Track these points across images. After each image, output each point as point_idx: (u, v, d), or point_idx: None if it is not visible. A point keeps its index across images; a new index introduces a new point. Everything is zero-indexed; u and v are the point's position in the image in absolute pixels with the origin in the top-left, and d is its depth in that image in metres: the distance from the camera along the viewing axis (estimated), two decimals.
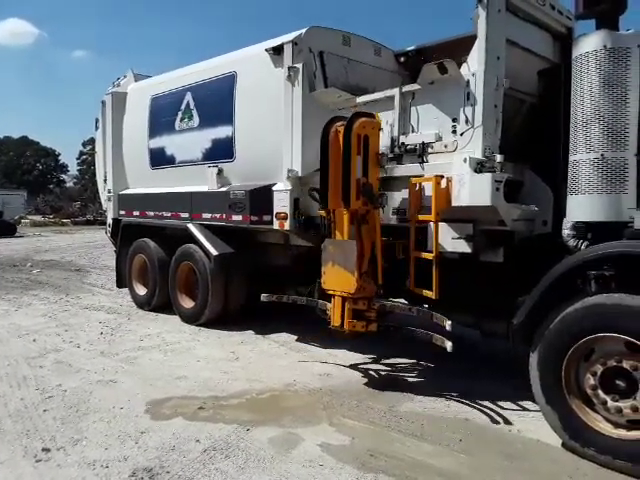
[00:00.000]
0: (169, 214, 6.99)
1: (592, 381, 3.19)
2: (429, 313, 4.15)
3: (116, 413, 3.85)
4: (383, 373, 4.92)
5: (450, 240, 4.12)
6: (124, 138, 7.88)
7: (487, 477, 3.03)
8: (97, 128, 8.60)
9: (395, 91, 4.55)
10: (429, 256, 4.07)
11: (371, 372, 4.92)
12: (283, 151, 5.39)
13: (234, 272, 6.33)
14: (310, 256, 5.76)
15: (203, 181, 6.33)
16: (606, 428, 3.15)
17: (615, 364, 3.11)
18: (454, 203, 3.97)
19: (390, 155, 4.51)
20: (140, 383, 4.50)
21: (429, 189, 4.07)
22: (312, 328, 6.22)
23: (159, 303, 7.26)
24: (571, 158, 3.69)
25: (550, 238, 3.94)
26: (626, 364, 3.06)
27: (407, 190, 4.34)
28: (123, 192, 7.96)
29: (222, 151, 6.17)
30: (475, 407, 4.06)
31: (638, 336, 2.96)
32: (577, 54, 3.65)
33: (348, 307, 4.35)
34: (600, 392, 3.16)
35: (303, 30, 5.34)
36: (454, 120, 4.09)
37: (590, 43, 3.56)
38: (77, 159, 64.84)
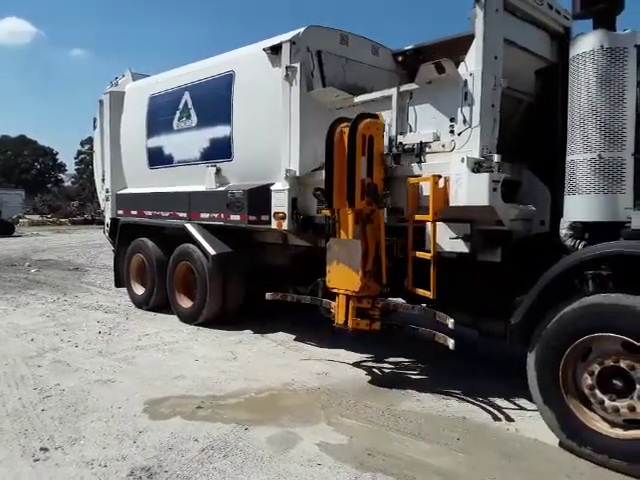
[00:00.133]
0: (167, 214, 6.99)
1: (589, 381, 3.20)
2: (432, 312, 4.17)
3: (114, 412, 3.85)
4: (381, 372, 4.93)
5: (448, 240, 4.12)
6: (122, 137, 7.87)
7: (485, 476, 3.04)
8: (95, 127, 8.59)
9: (393, 91, 4.56)
10: (427, 256, 4.07)
11: (369, 371, 4.92)
12: (281, 151, 5.39)
13: (232, 272, 6.33)
14: (308, 256, 5.78)
15: (201, 181, 6.32)
16: (603, 427, 3.16)
17: (612, 364, 3.12)
18: (452, 203, 3.98)
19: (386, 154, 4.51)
20: (138, 382, 4.50)
21: (427, 189, 4.08)
22: (310, 328, 6.24)
23: (157, 303, 7.26)
24: (568, 158, 3.70)
25: (548, 238, 3.94)
26: (623, 364, 3.07)
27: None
28: (121, 192, 7.95)
29: (220, 151, 6.17)
30: (473, 406, 4.07)
31: (635, 336, 2.96)
32: (574, 54, 3.65)
33: (352, 305, 4.40)
34: (597, 392, 3.17)
35: (301, 29, 5.33)
36: (452, 120, 4.10)
37: (587, 43, 3.56)
38: (75, 158, 64.86)
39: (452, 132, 4.10)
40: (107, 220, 8.37)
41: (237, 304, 6.56)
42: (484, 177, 3.72)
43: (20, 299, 8.32)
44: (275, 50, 5.42)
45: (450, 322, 3.92)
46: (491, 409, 4.01)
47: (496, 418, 3.86)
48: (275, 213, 5.49)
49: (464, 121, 3.98)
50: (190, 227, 6.51)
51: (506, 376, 4.45)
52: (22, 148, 67.42)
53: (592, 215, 3.53)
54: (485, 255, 4.11)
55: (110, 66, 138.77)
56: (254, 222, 5.71)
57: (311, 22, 5.65)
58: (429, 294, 4.05)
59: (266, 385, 4.48)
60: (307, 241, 5.67)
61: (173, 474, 3.00)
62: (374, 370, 4.96)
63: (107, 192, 8.16)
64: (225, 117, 6.03)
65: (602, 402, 3.15)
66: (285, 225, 5.41)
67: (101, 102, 8.12)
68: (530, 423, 3.72)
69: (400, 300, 4.77)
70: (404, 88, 4.51)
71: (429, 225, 4.06)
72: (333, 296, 4.65)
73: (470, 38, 3.97)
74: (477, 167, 3.80)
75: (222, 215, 6.06)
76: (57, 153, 71.69)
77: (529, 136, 4.27)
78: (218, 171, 6.17)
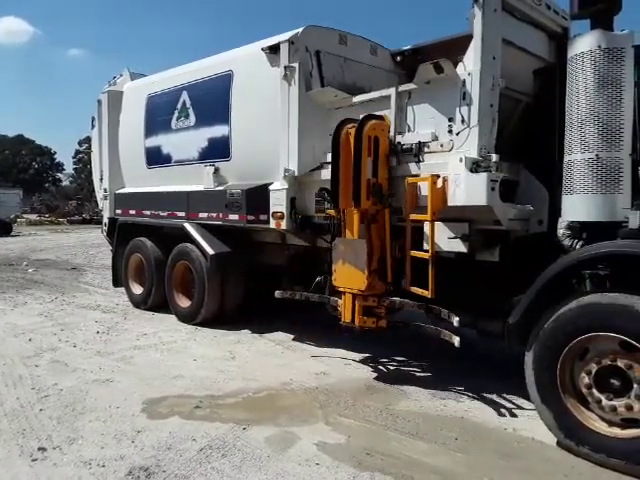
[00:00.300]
0: (165, 213, 6.98)
1: (587, 380, 3.21)
2: (437, 310, 4.18)
3: (112, 412, 3.85)
4: (379, 372, 4.93)
5: (446, 239, 4.13)
6: (120, 137, 7.86)
7: (483, 476, 3.04)
8: (93, 127, 8.57)
9: (391, 90, 4.56)
10: (425, 255, 4.08)
11: (367, 371, 4.93)
12: (280, 150, 5.39)
13: (230, 271, 6.33)
14: (306, 255, 5.78)
15: (199, 180, 6.32)
16: (601, 427, 3.17)
17: (610, 363, 3.13)
18: (450, 203, 3.99)
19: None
20: (136, 382, 4.50)
21: (425, 188, 4.09)
22: (309, 327, 6.24)
23: (155, 302, 7.25)
24: (566, 158, 3.70)
25: (545, 238, 3.95)
26: (621, 363, 3.08)
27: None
28: (119, 191, 7.94)
29: (218, 150, 6.17)
30: (471, 406, 4.07)
31: (632, 335, 2.97)
32: (572, 54, 3.66)
33: (358, 304, 4.47)
34: (595, 391, 3.18)
35: (300, 29, 5.33)
36: (450, 120, 4.10)
37: (585, 43, 3.57)
38: (73, 158, 64.70)
39: (450, 132, 4.10)
40: (105, 220, 8.36)
41: (235, 304, 6.55)
42: (482, 177, 3.72)
43: (18, 299, 8.30)
44: (274, 50, 5.42)
45: (455, 320, 3.95)
46: (489, 408, 4.02)
47: (494, 417, 3.86)
48: (273, 213, 5.49)
49: (462, 121, 3.98)
50: (189, 227, 6.50)
51: (504, 375, 4.46)
52: (20, 147, 67.30)
53: (590, 215, 3.54)
54: (483, 255, 4.12)
55: (109, 66, 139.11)
56: (252, 222, 5.71)
57: (311, 22, 5.65)
58: (427, 293, 4.06)
59: (264, 385, 4.48)
60: (305, 241, 5.68)
61: (171, 474, 3.00)
62: (372, 370, 4.97)
63: (105, 191, 8.14)
64: (223, 117, 6.03)
65: (600, 401, 3.16)
66: (284, 225, 5.41)
67: (99, 102, 8.11)
68: (528, 422, 3.72)
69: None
70: (403, 88, 4.52)
71: (427, 225, 4.07)
72: (338, 294, 4.69)
73: (468, 38, 3.98)
74: (475, 167, 3.80)
75: (220, 215, 6.06)
76: (55, 152, 71.67)
77: (527, 136, 4.28)
78: (216, 171, 6.17)
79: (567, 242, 3.63)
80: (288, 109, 5.28)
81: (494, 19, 3.91)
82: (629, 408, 3.05)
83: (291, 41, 5.27)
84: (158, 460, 3.15)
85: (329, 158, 4.85)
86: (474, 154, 3.87)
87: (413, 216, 4.20)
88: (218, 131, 6.15)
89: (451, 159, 3.99)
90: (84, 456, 3.19)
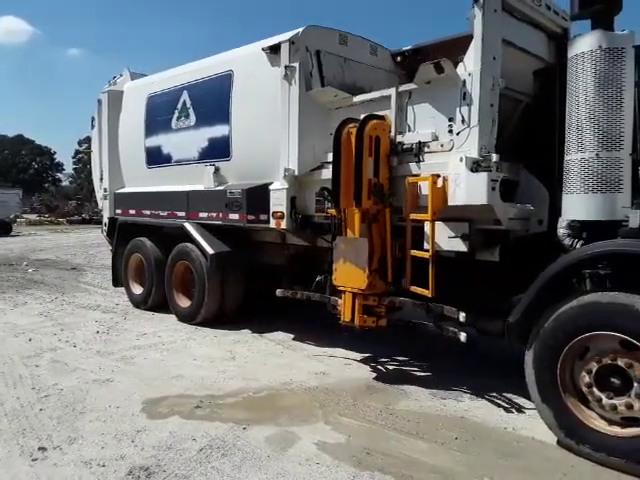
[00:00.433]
0: (165, 213, 6.98)
1: (587, 379, 3.21)
2: (440, 307, 4.16)
3: (112, 412, 3.85)
4: (379, 371, 4.93)
5: (446, 239, 4.13)
6: (120, 137, 7.86)
7: (482, 475, 3.04)
8: (93, 127, 8.57)
9: (392, 90, 4.57)
10: (425, 255, 4.09)
11: (367, 370, 4.93)
12: (280, 150, 5.39)
13: (230, 271, 6.33)
14: (306, 255, 5.79)
15: (200, 180, 6.32)
16: (601, 425, 3.17)
17: (610, 362, 3.13)
18: (450, 202, 3.99)
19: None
20: (136, 382, 4.50)
21: (426, 188, 4.09)
22: (309, 327, 6.24)
23: (155, 302, 7.25)
24: (566, 157, 3.71)
25: (545, 237, 3.95)
26: (621, 362, 3.08)
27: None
28: (119, 191, 7.94)
29: (219, 150, 6.17)
30: (471, 405, 4.07)
31: (633, 334, 2.98)
32: (572, 54, 3.67)
33: (359, 303, 4.48)
34: (595, 390, 3.18)
35: (300, 29, 5.34)
36: (450, 119, 4.11)
37: (585, 43, 3.57)
38: (73, 158, 64.72)
39: (451, 132, 4.11)
40: (105, 219, 8.36)
41: (235, 303, 6.55)
42: (482, 176, 3.73)
43: (18, 299, 8.30)
44: (274, 50, 5.43)
45: (462, 316, 3.94)
46: (489, 408, 4.02)
47: (494, 417, 3.86)
48: (274, 212, 5.50)
49: (463, 121, 3.99)
50: (189, 226, 6.50)
51: (504, 375, 4.46)
52: (20, 147, 67.31)
53: (590, 214, 3.54)
54: (483, 254, 4.13)
55: (108, 66, 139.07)
56: (253, 221, 5.71)
57: (311, 22, 5.66)
58: (427, 293, 4.06)
59: (264, 384, 4.48)
60: (305, 240, 5.68)
61: (171, 473, 3.00)
62: (372, 369, 4.97)
63: (105, 191, 8.14)
64: (224, 116, 6.03)
65: (600, 400, 3.16)
66: (284, 224, 5.41)
67: (99, 101, 8.11)
68: (528, 422, 3.73)
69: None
70: (403, 88, 4.52)
71: (428, 224, 4.07)
72: (339, 293, 4.68)
73: (469, 38, 3.98)
74: (475, 166, 3.81)
75: (221, 214, 6.06)
76: (55, 152, 71.73)
77: (527, 136, 4.28)
78: (217, 170, 6.17)
79: (567, 241, 3.64)
80: (288, 109, 5.28)
81: (494, 19, 3.91)
82: (629, 407, 3.05)
83: (291, 41, 5.28)
84: (158, 460, 3.15)
85: (329, 158, 4.86)
86: (474, 154, 3.87)
87: (413, 216, 4.20)
88: (218, 131, 6.15)
89: (451, 159, 3.99)
90: (84, 456, 3.19)
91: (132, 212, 7.63)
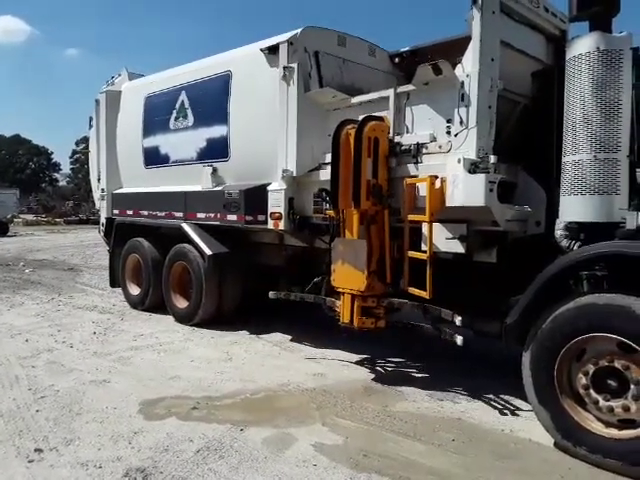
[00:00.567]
0: (163, 213, 6.97)
1: (584, 381, 3.21)
2: (438, 310, 4.16)
3: (109, 413, 3.84)
4: (377, 373, 4.93)
5: (444, 240, 4.13)
6: (118, 137, 7.84)
7: (479, 477, 3.04)
8: (91, 127, 8.56)
9: (390, 92, 4.57)
10: (423, 256, 4.09)
11: (364, 372, 4.92)
12: (278, 151, 5.38)
13: (228, 272, 6.32)
14: (304, 256, 5.78)
15: (197, 180, 6.31)
16: (598, 427, 3.17)
17: (607, 364, 3.13)
18: (448, 203, 3.99)
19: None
20: (133, 383, 4.49)
21: (423, 189, 4.09)
22: (306, 328, 6.24)
23: (153, 303, 7.23)
24: (564, 159, 3.71)
25: (543, 238, 3.96)
26: (618, 364, 3.09)
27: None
28: (117, 191, 7.93)
29: (217, 150, 6.16)
30: (468, 407, 4.07)
31: (630, 336, 2.98)
32: (570, 56, 3.67)
33: (357, 304, 4.47)
34: (592, 392, 3.19)
35: (298, 30, 5.33)
36: (448, 121, 4.11)
37: (583, 45, 3.58)
38: (70, 158, 64.67)
39: (449, 133, 4.11)
40: (102, 220, 8.35)
41: (233, 304, 6.54)
42: (480, 178, 3.73)
43: (14, 299, 8.28)
44: (272, 50, 5.42)
45: (458, 319, 3.94)
46: (486, 409, 4.02)
47: (491, 418, 3.86)
48: (272, 213, 5.49)
49: (461, 122, 3.99)
50: (186, 227, 6.49)
51: (501, 376, 4.47)
52: (16, 147, 67.16)
53: (587, 216, 3.54)
54: (481, 255, 4.13)
55: (107, 66, 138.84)
56: (250, 222, 5.71)
57: (310, 23, 5.66)
58: (425, 294, 4.05)
59: (262, 386, 4.47)
60: (303, 241, 5.68)
61: (168, 475, 2.99)
62: (369, 371, 4.96)
63: (102, 192, 8.13)
64: (222, 117, 6.03)
65: (597, 402, 3.16)
66: (282, 225, 5.41)
67: (97, 101, 8.10)
68: (525, 423, 3.73)
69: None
70: (401, 89, 4.52)
71: (425, 225, 4.08)
72: (336, 294, 4.68)
73: (467, 40, 3.99)
74: (473, 168, 3.81)
75: (218, 215, 6.05)
76: (52, 152, 71.60)
77: (525, 138, 4.29)
78: (214, 171, 6.16)
79: (565, 243, 3.64)
80: (287, 109, 5.28)
81: (493, 21, 3.92)
82: (626, 409, 3.05)
83: (290, 42, 5.27)
84: (155, 461, 3.14)
85: (328, 159, 4.86)
86: (472, 155, 3.87)
87: (411, 217, 4.20)
88: (216, 131, 6.14)
89: (449, 160, 3.99)
90: (81, 457, 3.18)
91: (130, 212, 7.61)
